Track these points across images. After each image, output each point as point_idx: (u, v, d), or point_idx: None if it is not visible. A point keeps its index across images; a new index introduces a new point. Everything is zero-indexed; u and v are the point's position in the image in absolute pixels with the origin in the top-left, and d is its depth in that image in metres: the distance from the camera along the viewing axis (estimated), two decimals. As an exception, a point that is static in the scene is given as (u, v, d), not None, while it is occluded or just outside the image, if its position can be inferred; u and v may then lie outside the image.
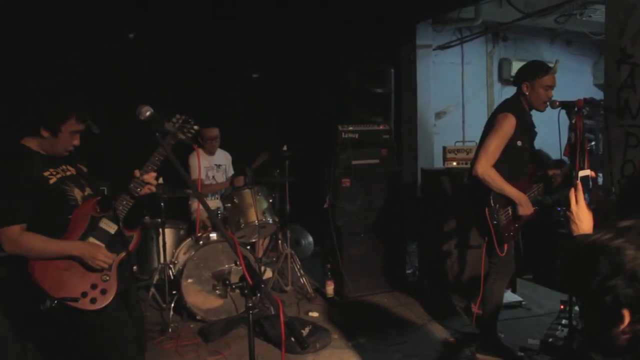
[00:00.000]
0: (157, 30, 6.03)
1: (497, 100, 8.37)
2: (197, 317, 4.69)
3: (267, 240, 5.75)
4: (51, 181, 2.59)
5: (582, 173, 2.06)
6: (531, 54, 8.65)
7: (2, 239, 2.44)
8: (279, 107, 6.73)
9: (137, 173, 2.63)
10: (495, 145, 3.60)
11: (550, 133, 4.06)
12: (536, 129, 3.94)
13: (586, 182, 2.04)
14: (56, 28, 5.48)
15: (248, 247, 5.13)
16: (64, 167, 2.68)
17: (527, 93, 3.71)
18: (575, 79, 8.81)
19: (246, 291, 1.92)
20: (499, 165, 3.62)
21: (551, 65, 3.78)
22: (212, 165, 5.72)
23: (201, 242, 4.82)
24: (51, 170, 2.62)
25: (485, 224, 3.65)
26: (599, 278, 1.31)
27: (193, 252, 4.70)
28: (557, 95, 3.87)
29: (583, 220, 1.99)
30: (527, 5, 6.72)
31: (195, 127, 2.68)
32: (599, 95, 6.05)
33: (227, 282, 4.45)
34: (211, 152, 5.71)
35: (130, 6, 5.82)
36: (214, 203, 5.58)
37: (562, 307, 4.26)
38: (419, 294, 5.42)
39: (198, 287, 4.69)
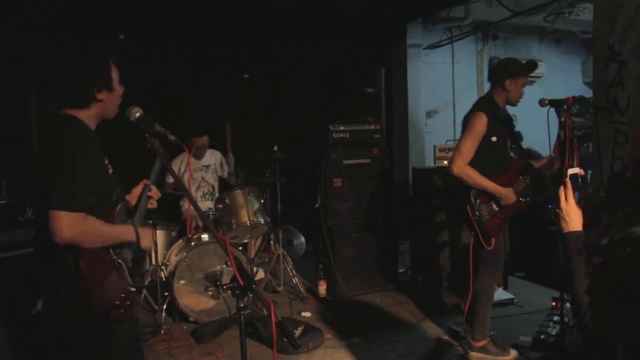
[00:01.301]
0: (147, 31, 6.00)
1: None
2: (190, 319, 4.67)
3: (259, 241, 5.74)
4: (110, 171, 2.33)
5: (571, 171, 2.07)
6: (521, 53, 8.69)
7: (62, 223, 2.04)
8: (269, 108, 6.72)
9: (145, 181, 2.52)
10: (469, 144, 3.73)
11: (540, 131, 4.09)
12: (514, 123, 4.12)
13: (575, 180, 2.05)
14: (47, 29, 5.45)
15: (240, 248, 5.12)
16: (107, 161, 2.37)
17: (509, 89, 3.84)
18: (565, 77, 8.88)
19: (237, 292, 1.91)
20: (477, 162, 3.73)
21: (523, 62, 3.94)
22: (200, 167, 5.71)
23: (193, 243, 4.81)
24: (105, 157, 2.32)
25: (469, 220, 3.74)
26: (629, 265, 1.43)
27: (185, 254, 4.69)
28: (547, 93, 3.91)
29: (572, 217, 2.00)
30: (517, 4, 6.74)
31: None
32: (588, 93, 6.09)
33: (219, 283, 4.45)
34: (198, 157, 5.71)
35: (120, 7, 5.79)
36: (206, 204, 5.57)
37: (553, 304, 4.28)
38: (412, 292, 5.44)
39: (190, 289, 4.68)
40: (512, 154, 4.13)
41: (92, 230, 2.14)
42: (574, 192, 2.04)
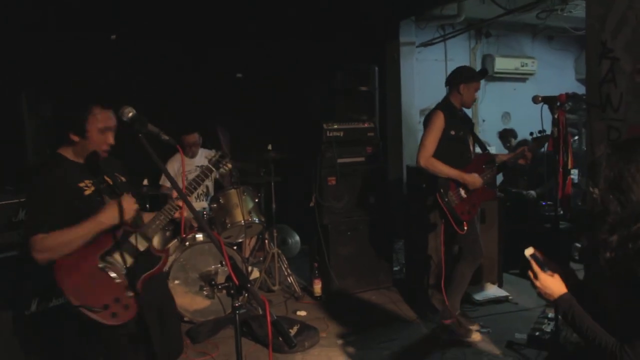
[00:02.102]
0: (139, 31, 5.97)
1: (481, 96, 8.42)
2: (185, 319, 4.66)
3: (253, 240, 5.73)
4: (86, 192, 2.60)
5: (527, 252, 2.12)
6: (514, 50, 8.71)
7: (31, 248, 2.43)
8: (263, 107, 6.71)
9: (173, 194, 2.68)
10: (431, 139, 4.14)
11: (533, 128, 4.11)
12: (472, 121, 4.68)
13: (535, 258, 2.08)
14: (38, 29, 5.42)
15: (235, 247, 5.11)
16: (100, 178, 2.68)
17: (463, 92, 4.22)
18: (558, 74, 8.90)
19: (232, 291, 1.91)
20: (441, 154, 4.11)
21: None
22: (194, 168, 5.67)
23: (187, 243, 4.79)
24: (87, 182, 2.62)
25: (440, 207, 4.05)
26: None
27: (179, 254, 4.67)
28: (540, 90, 3.96)
29: (551, 287, 2.05)
30: (509, 2, 6.75)
31: (228, 165, 2.93)
32: (581, 89, 6.12)
33: (214, 282, 4.44)
34: (191, 156, 5.68)
35: (112, 7, 5.77)
36: (200, 204, 5.56)
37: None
38: (407, 291, 5.44)
39: (185, 289, 4.67)
40: (477, 150, 4.51)
41: (57, 243, 2.44)
42: (541, 267, 2.09)
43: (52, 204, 2.48)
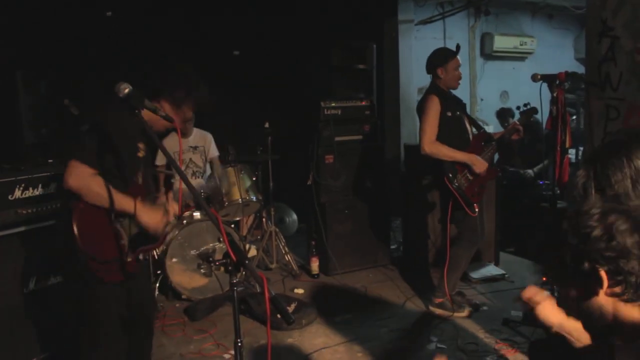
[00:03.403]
0: (135, 7, 5.91)
1: (480, 75, 8.39)
2: (183, 297, 4.68)
3: (251, 218, 5.73)
4: (139, 154, 2.64)
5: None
6: (513, 28, 8.65)
7: (72, 171, 2.37)
8: (260, 84, 6.67)
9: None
10: (430, 123, 4.06)
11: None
12: (469, 100, 4.53)
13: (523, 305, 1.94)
14: (32, 6, 5.36)
15: (232, 226, 5.11)
16: (144, 145, 2.71)
17: (442, 76, 4.17)
18: (557, 53, 8.85)
19: (230, 267, 1.91)
20: (442, 138, 4.06)
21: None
22: (187, 148, 5.61)
23: (185, 222, 4.79)
24: (141, 144, 2.66)
25: (449, 191, 4.02)
26: (575, 243, 1.39)
27: (177, 232, 4.68)
28: (539, 69, 3.94)
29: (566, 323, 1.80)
30: (509, -21, 6.70)
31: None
32: (580, 69, 6.09)
33: (211, 259, 4.45)
34: (185, 134, 5.60)
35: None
36: (197, 182, 5.54)
37: (544, 278, 4.32)
38: (404, 268, 5.47)
39: (183, 266, 4.68)
40: (474, 131, 4.44)
41: (95, 189, 2.41)
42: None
43: (115, 149, 2.47)
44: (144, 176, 2.76)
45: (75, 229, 2.40)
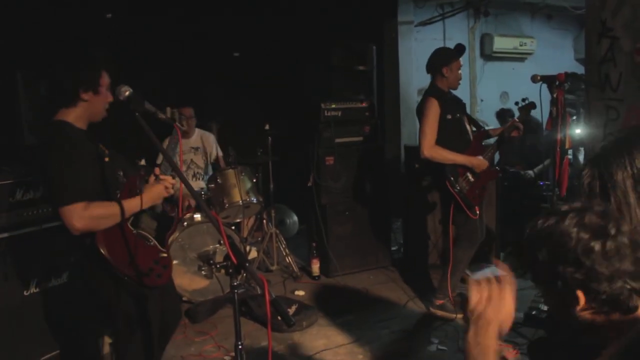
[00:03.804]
0: (135, 9, 5.91)
1: (479, 76, 8.39)
2: (183, 299, 4.68)
3: (251, 220, 5.73)
4: (106, 159, 2.56)
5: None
6: (512, 29, 8.65)
7: (69, 216, 2.30)
8: (261, 86, 6.67)
9: (156, 171, 2.68)
10: (430, 127, 4.06)
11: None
12: (469, 100, 4.51)
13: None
14: (33, 6, 5.36)
15: (233, 227, 5.11)
16: (102, 145, 2.63)
17: (447, 75, 4.16)
18: (557, 54, 8.84)
19: (231, 270, 1.91)
20: (442, 141, 4.05)
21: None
22: (189, 148, 5.61)
23: (185, 223, 4.79)
24: (102, 147, 2.59)
25: (450, 194, 4.03)
26: (546, 265, 1.36)
27: (177, 234, 4.67)
28: (538, 70, 3.94)
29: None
30: (509, -20, 6.71)
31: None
32: (580, 69, 6.09)
33: (212, 261, 4.45)
34: (187, 134, 5.57)
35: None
36: (198, 184, 5.55)
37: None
38: (404, 270, 5.47)
39: (183, 268, 4.68)
40: (473, 129, 4.47)
41: (99, 214, 2.36)
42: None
43: (83, 170, 2.38)
44: (125, 173, 2.71)
45: (106, 254, 2.38)
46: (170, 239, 4.61)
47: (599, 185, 1.75)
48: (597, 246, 1.30)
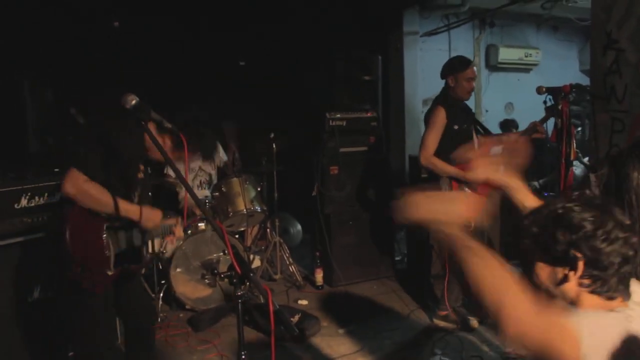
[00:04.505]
0: (142, 19, 5.95)
1: (485, 87, 8.39)
2: (187, 307, 4.68)
3: (255, 229, 5.72)
4: (139, 175, 2.73)
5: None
6: (518, 40, 8.66)
7: (69, 178, 2.45)
8: (266, 95, 6.69)
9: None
10: (432, 137, 4.13)
11: (538, 118, 4.09)
12: (473, 111, 4.62)
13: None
14: (41, 17, 5.40)
15: (237, 236, 5.12)
16: (147, 169, 2.85)
17: (452, 85, 4.18)
18: (562, 65, 8.84)
19: (235, 280, 1.91)
20: (446, 151, 4.04)
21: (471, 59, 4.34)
22: (196, 166, 5.61)
23: (190, 232, 4.80)
24: (142, 167, 2.76)
25: None
26: (560, 245, 1.46)
27: (181, 242, 4.68)
28: (543, 81, 3.93)
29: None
30: (514, -9, 6.71)
31: None
32: (585, 81, 6.09)
33: (216, 271, 4.44)
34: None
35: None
36: (202, 193, 5.55)
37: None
38: (408, 280, 5.45)
39: (187, 277, 4.68)
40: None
41: (93, 193, 2.47)
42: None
43: (112, 160, 2.53)
44: (140, 197, 2.81)
45: (67, 234, 2.46)
46: (174, 246, 4.65)
47: (615, 184, 1.80)
48: (620, 235, 1.42)
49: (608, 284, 1.45)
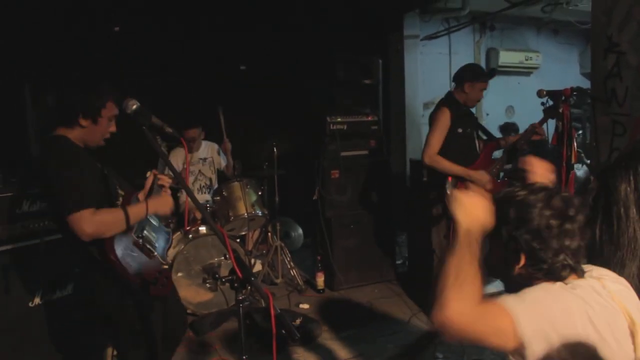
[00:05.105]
0: (142, 23, 5.96)
1: (485, 90, 8.39)
2: (188, 311, 4.66)
3: (256, 233, 5.72)
4: (105, 171, 2.61)
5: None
6: (518, 44, 8.67)
7: (79, 222, 2.30)
8: (267, 99, 6.69)
9: (154, 172, 2.76)
10: (436, 136, 4.14)
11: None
12: (475, 115, 4.67)
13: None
14: (42, 22, 5.41)
15: (238, 240, 5.11)
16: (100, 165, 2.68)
17: (468, 91, 4.20)
18: (562, 68, 8.85)
19: (236, 284, 1.91)
20: (448, 153, 4.10)
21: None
22: (197, 160, 5.64)
23: (190, 236, 4.80)
24: (96, 163, 2.62)
25: (447, 205, 3.92)
26: (508, 227, 1.57)
27: (182, 246, 4.68)
28: (544, 84, 3.94)
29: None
30: (514, -5, 6.72)
31: None
32: (585, 84, 6.08)
33: (217, 275, 4.45)
34: (193, 150, 5.58)
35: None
36: (203, 197, 5.55)
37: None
38: (409, 284, 5.44)
39: (188, 281, 4.68)
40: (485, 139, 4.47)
41: (108, 220, 2.39)
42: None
43: (85, 178, 2.41)
44: (122, 187, 2.75)
45: (116, 260, 2.39)
46: (175, 250, 4.66)
47: (604, 196, 1.81)
48: (555, 224, 1.53)
49: (552, 269, 1.55)
